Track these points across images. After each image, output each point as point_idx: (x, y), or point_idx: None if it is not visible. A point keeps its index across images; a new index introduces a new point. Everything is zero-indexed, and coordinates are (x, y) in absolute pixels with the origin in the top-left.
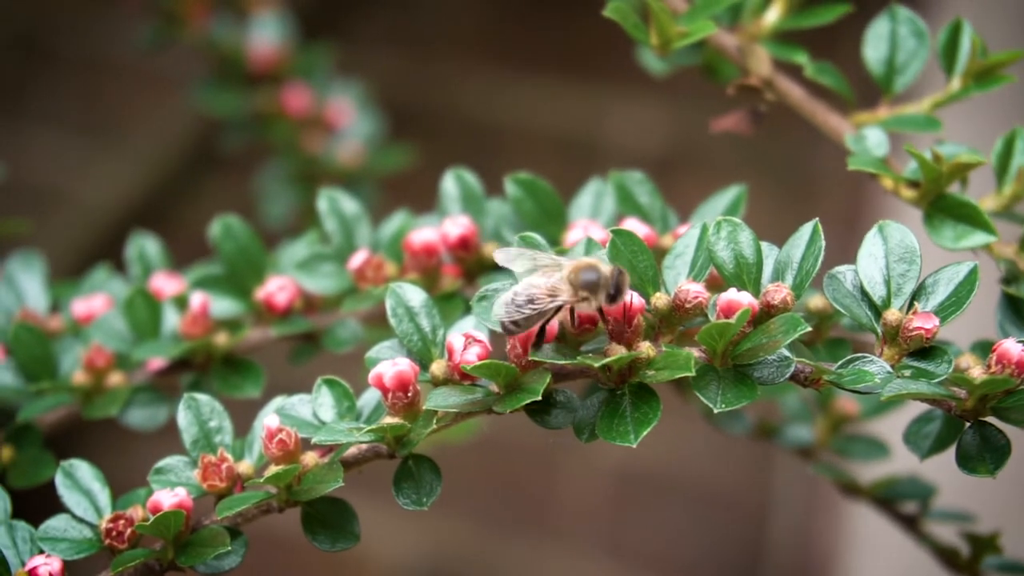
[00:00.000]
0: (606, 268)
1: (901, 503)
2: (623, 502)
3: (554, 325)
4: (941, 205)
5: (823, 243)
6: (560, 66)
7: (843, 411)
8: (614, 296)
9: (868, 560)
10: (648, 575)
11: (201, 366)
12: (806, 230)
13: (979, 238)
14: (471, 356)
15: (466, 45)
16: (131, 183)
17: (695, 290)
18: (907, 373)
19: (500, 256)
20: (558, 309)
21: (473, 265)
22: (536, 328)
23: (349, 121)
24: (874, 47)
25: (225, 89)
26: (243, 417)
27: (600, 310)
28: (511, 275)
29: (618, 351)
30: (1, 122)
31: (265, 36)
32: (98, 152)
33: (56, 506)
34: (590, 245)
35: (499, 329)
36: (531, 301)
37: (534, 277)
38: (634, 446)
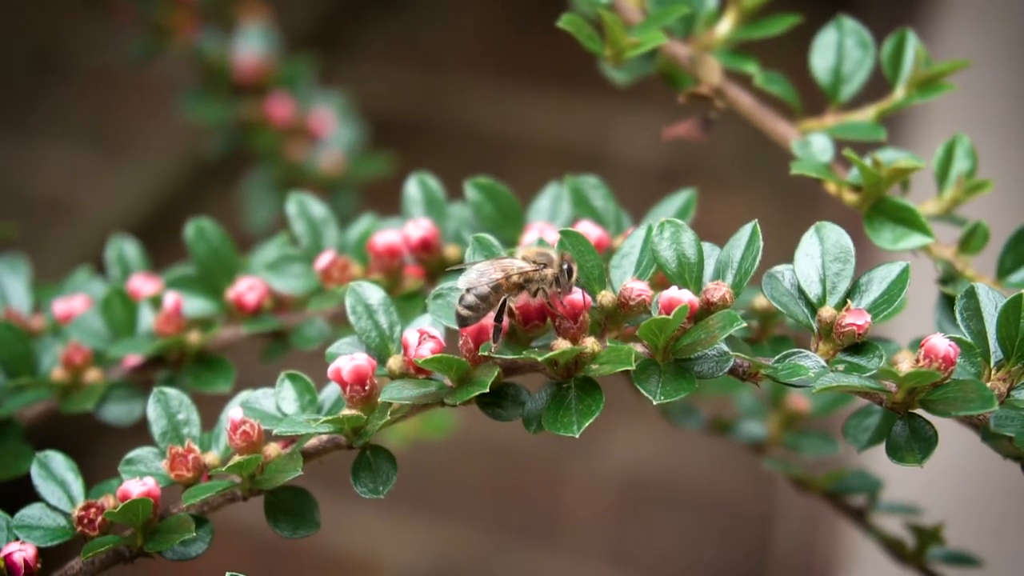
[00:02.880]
0: (556, 253)
1: (850, 496)
2: (627, 510)
3: (527, 302)
4: (881, 208)
5: (761, 243)
6: (565, 79)
7: (795, 408)
8: (568, 274)
9: (870, 569)
10: None
11: (175, 363)
12: (745, 231)
13: (916, 240)
14: (425, 351)
15: (472, 58)
16: (141, 193)
17: (639, 288)
18: (840, 367)
19: (549, 236)
20: (514, 288)
21: (435, 266)
22: (490, 321)
23: (331, 130)
24: (821, 57)
25: (211, 99)
26: (216, 411)
27: (550, 299)
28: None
29: (563, 346)
30: (14, 135)
31: (250, 48)
32: (109, 163)
33: (29, 495)
34: (542, 243)
35: (454, 324)
36: (492, 282)
37: (487, 262)
38: (576, 436)
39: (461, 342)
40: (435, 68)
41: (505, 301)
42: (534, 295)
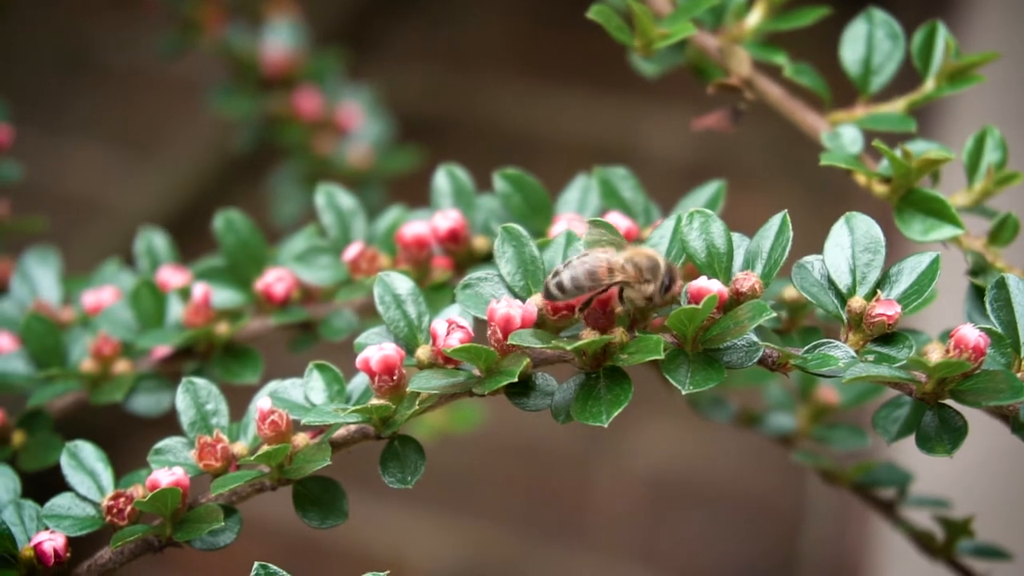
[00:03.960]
0: (663, 260)
1: (879, 489)
2: (656, 509)
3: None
4: (911, 200)
5: (791, 234)
6: (593, 76)
7: (824, 400)
8: (668, 286)
9: (901, 565)
10: None
11: (203, 354)
12: (775, 221)
13: (947, 231)
14: (454, 341)
15: (500, 55)
16: (171, 190)
17: (608, 297)
18: (870, 358)
19: (577, 228)
20: (608, 288)
21: (463, 257)
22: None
23: (358, 124)
24: (851, 48)
25: (240, 93)
26: (244, 402)
27: (632, 311)
28: (496, 266)
29: (591, 336)
30: (44, 133)
31: (278, 42)
32: (138, 161)
33: (62, 485)
34: (570, 236)
35: (482, 314)
36: (592, 274)
37: (597, 252)
38: (605, 426)
39: (489, 331)
40: (463, 65)
41: (592, 300)
42: (621, 298)
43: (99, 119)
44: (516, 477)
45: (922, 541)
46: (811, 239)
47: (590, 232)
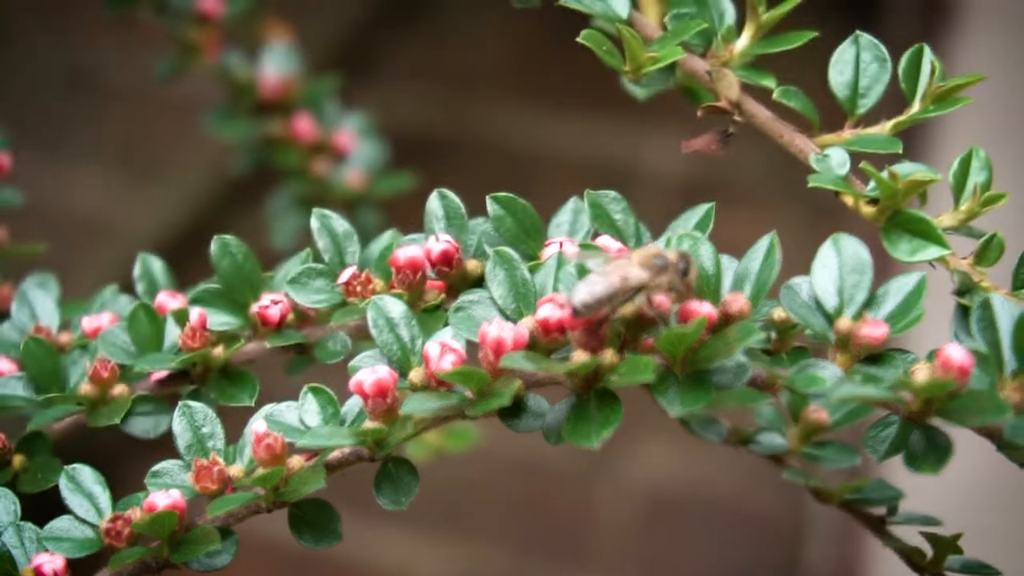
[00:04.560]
0: (671, 252)
1: (869, 506)
2: (656, 526)
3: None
4: (898, 220)
5: (779, 256)
6: (592, 97)
7: (815, 420)
8: (685, 271)
9: None
10: None
11: (200, 377)
12: (763, 244)
13: (933, 252)
14: (446, 363)
15: (500, 77)
16: (173, 213)
17: (658, 300)
18: (858, 378)
19: (573, 254)
20: (634, 291)
21: (456, 280)
22: (605, 313)
23: (354, 148)
24: (839, 71)
25: (237, 117)
26: (241, 424)
27: (656, 307)
28: (487, 289)
29: (582, 358)
30: (46, 155)
31: (275, 66)
32: (141, 183)
33: (61, 508)
34: (561, 259)
35: (475, 337)
36: (608, 287)
37: (606, 267)
38: (596, 447)
39: (481, 354)
40: (461, 86)
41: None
42: (651, 302)
43: (101, 141)
44: (515, 494)
45: (911, 558)
46: (807, 259)
47: (495, 267)
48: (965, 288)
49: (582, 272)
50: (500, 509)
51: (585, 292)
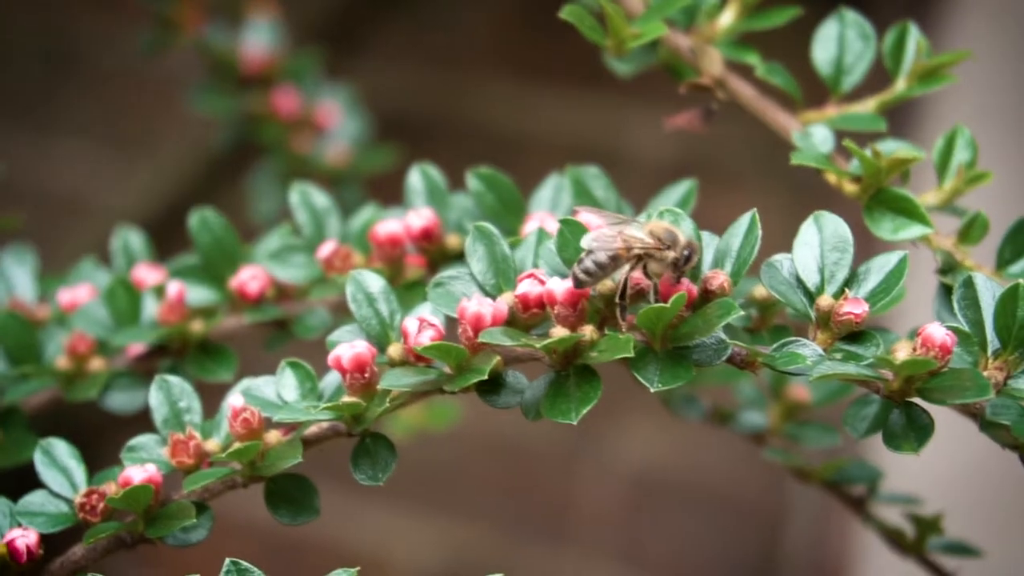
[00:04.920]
0: (684, 236)
1: (850, 486)
2: (639, 508)
3: (637, 279)
4: (880, 199)
5: (760, 232)
6: (580, 76)
7: (795, 398)
8: (689, 255)
9: (882, 567)
10: None
11: (178, 352)
12: (744, 220)
13: (916, 230)
14: (424, 339)
15: (488, 56)
16: (157, 188)
17: (636, 276)
18: (838, 356)
19: (584, 216)
20: (635, 259)
21: (436, 255)
22: (606, 287)
23: (337, 123)
24: (823, 48)
25: (219, 92)
26: (219, 400)
27: (659, 283)
28: (467, 264)
29: (560, 333)
30: (29, 132)
31: (257, 41)
32: (124, 159)
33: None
34: (541, 234)
35: (454, 313)
36: (606, 242)
37: (613, 228)
38: (574, 423)
39: (460, 330)
40: (450, 65)
41: (627, 281)
42: (646, 271)
43: (86, 118)
44: (499, 475)
45: (892, 538)
46: (794, 235)
47: (474, 242)
48: (948, 267)
49: (564, 246)
50: (484, 490)
51: (589, 261)
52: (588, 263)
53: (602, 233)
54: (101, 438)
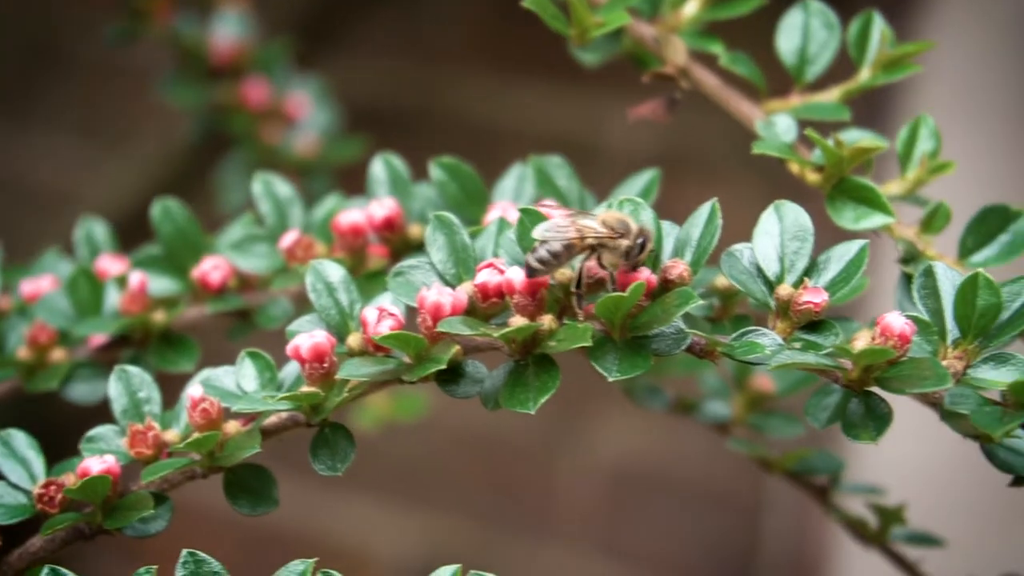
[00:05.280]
0: (635, 225)
1: (812, 476)
2: (618, 501)
3: (593, 268)
4: (843, 188)
5: (720, 222)
6: (559, 68)
7: (759, 388)
8: (643, 246)
9: (861, 555)
10: (643, 573)
11: (140, 342)
12: (704, 209)
13: (877, 219)
14: (383, 328)
15: (466, 49)
16: (137, 183)
17: (591, 265)
18: (797, 345)
19: (547, 207)
20: (589, 249)
21: (399, 245)
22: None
23: (306, 114)
24: (787, 37)
25: (188, 83)
26: (181, 390)
27: (615, 271)
28: (427, 253)
29: (519, 323)
30: (8, 125)
31: (227, 32)
32: (104, 153)
33: None
34: (502, 224)
35: (413, 302)
36: (559, 231)
37: (566, 218)
38: (532, 412)
39: (419, 319)
40: (429, 56)
41: (582, 270)
42: (600, 261)
43: (65, 109)
44: (479, 467)
45: (855, 528)
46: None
47: (434, 231)
48: (910, 256)
49: (522, 234)
50: (464, 484)
51: (543, 250)
52: (542, 251)
53: (555, 223)
54: (71, 430)
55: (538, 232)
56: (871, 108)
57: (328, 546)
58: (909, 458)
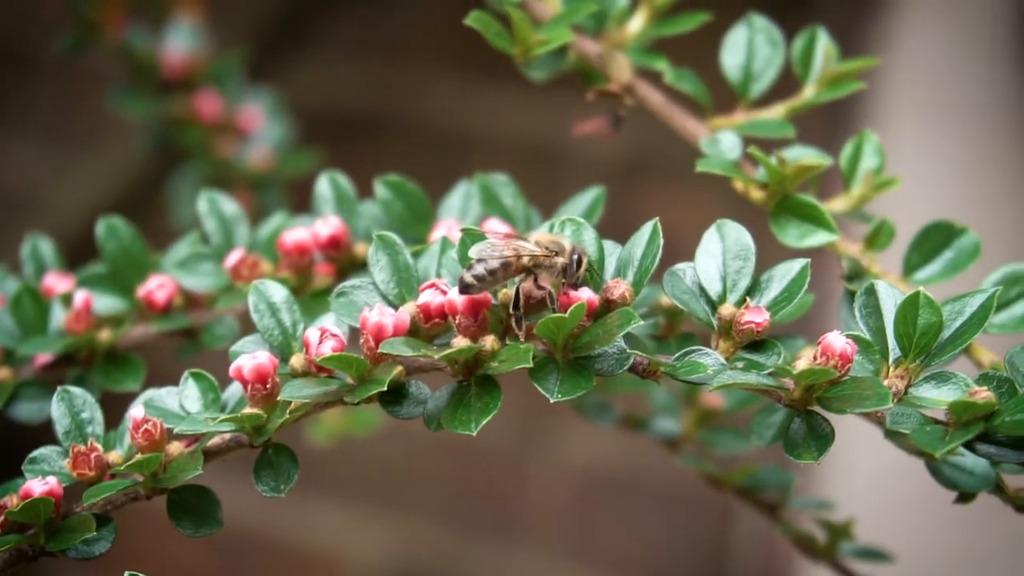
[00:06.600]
0: (568, 243)
1: (762, 493)
2: (589, 504)
3: (531, 289)
4: (786, 205)
5: (661, 241)
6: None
7: (708, 405)
8: (578, 263)
9: None
10: None
11: (85, 361)
12: (646, 229)
13: (821, 237)
14: (326, 349)
15: (434, 52)
16: (104, 188)
17: (527, 286)
18: (740, 365)
19: (491, 226)
20: (525, 269)
21: (345, 264)
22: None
23: (259, 127)
24: (732, 54)
25: (140, 95)
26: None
27: (551, 290)
28: (370, 273)
29: (461, 344)
30: None
31: (179, 44)
32: (71, 158)
33: None
34: (445, 243)
35: (356, 323)
36: (495, 249)
37: (502, 239)
38: (473, 434)
39: (362, 340)
40: (398, 62)
41: (519, 291)
42: (538, 282)
43: (32, 114)
44: (450, 473)
45: (803, 544)
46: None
47: (376, 251)
48: (855, 273)
49: (464, 254)
50: (434, 488)
51: (479, 267)
52: (478, 268)
53: (492, 242)
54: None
55: (474, 251)
56: (835, 119)
57: (298, 551)
58: (862, 468)
